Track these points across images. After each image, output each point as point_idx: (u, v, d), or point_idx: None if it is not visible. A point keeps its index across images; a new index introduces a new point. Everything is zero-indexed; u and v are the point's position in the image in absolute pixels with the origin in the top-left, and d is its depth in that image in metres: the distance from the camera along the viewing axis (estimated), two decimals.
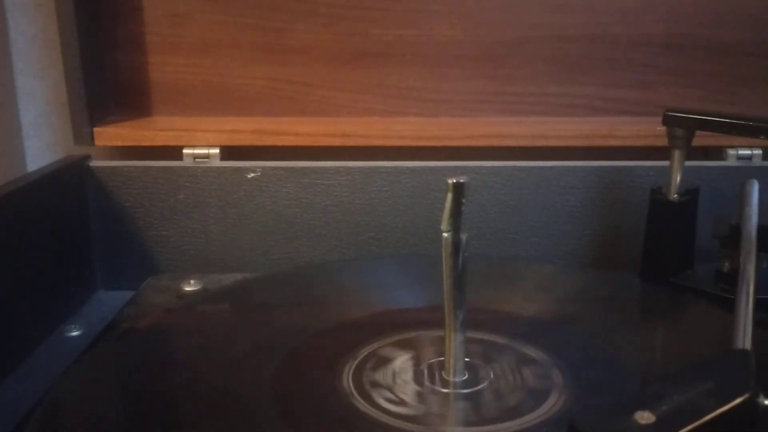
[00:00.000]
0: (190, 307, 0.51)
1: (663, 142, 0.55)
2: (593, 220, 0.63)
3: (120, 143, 0.65)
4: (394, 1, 0.66)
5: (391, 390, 0.38)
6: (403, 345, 0.43)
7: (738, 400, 0.26)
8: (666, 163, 0.55)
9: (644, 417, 0.25)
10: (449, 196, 0.36)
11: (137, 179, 0.62)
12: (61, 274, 0.57)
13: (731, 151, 0.65)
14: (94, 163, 0.62)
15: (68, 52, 0.61)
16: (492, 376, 0.39)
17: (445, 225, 0.37)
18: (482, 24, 0.67)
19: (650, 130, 0.63)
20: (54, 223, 0.56)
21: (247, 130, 0.65)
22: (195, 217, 0.62)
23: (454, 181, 0.36)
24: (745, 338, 0.32)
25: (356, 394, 0.37)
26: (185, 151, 0.64)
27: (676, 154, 0.54)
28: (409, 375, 0.40)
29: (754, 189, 0.48)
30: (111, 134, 0.65)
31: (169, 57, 0.67)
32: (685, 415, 0.25)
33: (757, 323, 0.40)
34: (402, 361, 0.41)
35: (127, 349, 0.44)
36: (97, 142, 0.64)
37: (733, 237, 0.48)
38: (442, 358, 0.40)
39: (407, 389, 0.38)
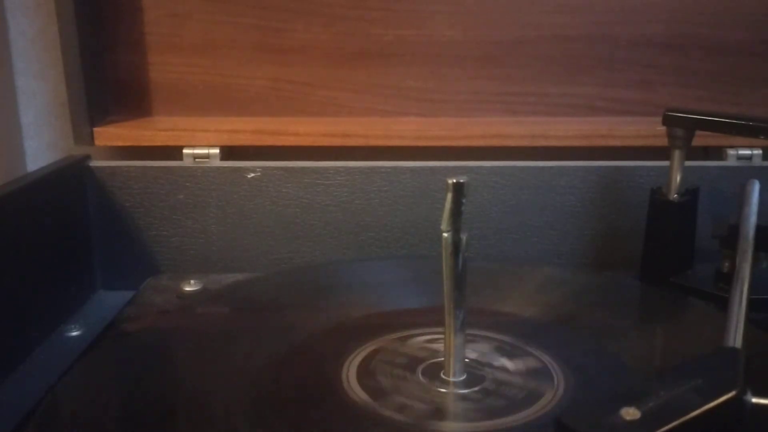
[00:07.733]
0: (189, 308, 0.51)
1: (663, 142, 0.55)
2: (593, 220, 0.63)
3: (120, 143, 0.65)
4: (394, 1, 0.66)
5: (390, 390, 0.38)
6: (403, 345, 0.43)
7: (724, 397, 0.26)
8: (666, 163, 0.55)
9: (630, 413, 0.25)
10: (449, 196, 0.36)
11: (137, 179, 0.62)
12: (61, 274, 0.57)
13: (731, 151, 0.65)
14: (94, 163, 0.62)
15: (68, 52, 0.61)
16: (491, 376, 0.39)
17: (445, 225, 0.37)
18: (482, 24, 0.67)
19: (650, 130, 0.63)
20: (54, 223, 0.56)
21: (247, 130, 0.65)
22: (195, 217, 0.62)
23: (454, 181, 0.36)
24: (736, 337, 0.32)
25: (356, 394, 0.37)
26: (185, 151, 0.64)
27: (676, 154, 0.54)
28: (408, 375, 0.40)
29: (755, 189, 0.48)
30: (111, 134, 0.65)
31: (169, 57, 0.67)
32: (670, 411, 0.25)
33: (757, 323, 0.40)
34: (401, 361, 0.41)
35: (126, 349, 0.44)
36: (97, 142, 0.64)
37: (732, 237, 0.48)
38: (442, 359, 0.40)
39: (407, 389, 0.38)
